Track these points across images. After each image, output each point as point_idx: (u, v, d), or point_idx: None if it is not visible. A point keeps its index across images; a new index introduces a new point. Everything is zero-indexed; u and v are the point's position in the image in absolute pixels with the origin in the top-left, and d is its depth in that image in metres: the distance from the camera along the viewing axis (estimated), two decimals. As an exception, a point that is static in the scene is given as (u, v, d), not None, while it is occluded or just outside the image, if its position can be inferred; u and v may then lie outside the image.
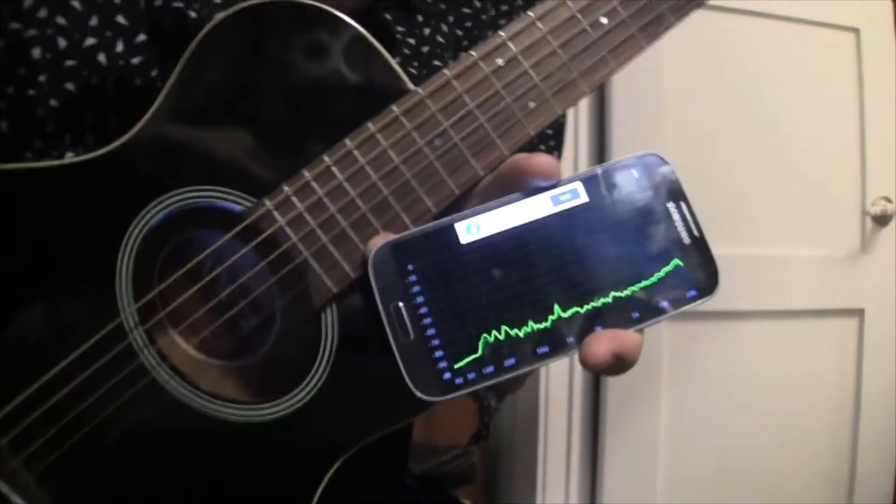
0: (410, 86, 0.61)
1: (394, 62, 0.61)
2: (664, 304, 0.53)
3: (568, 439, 1.95)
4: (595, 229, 0.55)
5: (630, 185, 0.55)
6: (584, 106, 1.90)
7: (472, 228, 0.55)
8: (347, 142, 0.60)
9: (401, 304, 0.54)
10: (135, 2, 0.68)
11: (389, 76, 0.61)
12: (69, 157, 0.65)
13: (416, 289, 0.54)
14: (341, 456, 0.63)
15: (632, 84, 1.87)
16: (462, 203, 0.61)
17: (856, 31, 2.05)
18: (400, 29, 0.80)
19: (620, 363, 0.52)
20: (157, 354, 0.61)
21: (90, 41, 0.66)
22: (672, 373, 1.97)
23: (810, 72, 2.03)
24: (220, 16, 0.60)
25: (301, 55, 0.61)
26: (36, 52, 0.65)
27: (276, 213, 0.60)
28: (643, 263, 0.54)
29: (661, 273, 0.54)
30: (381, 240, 0.57)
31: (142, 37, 0.68)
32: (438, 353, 0.53)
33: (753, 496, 2.06)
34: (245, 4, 0.59)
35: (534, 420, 1.92)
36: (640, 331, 0.54)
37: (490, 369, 0.53)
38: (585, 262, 0.54)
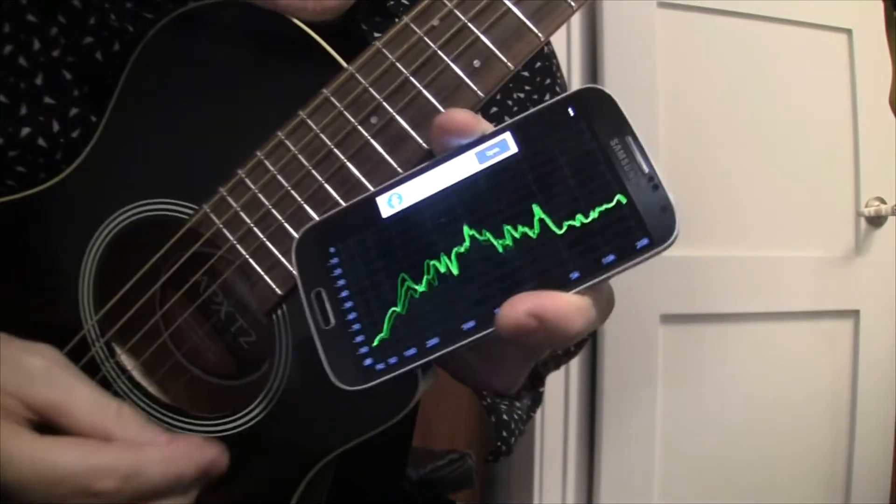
0: (345, 65, 0.52)
1: (325, 43, 0.53)
2: (609, 256, 0.41)
3: (564, 442, 1.88)
4: (526, 182, 0.44)
5: (566, 126, 0.44)
6: None
7: (395, 200, 0.46)
8: (279, 132, 0.52)
9: (322, 289, 0.46)
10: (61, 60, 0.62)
11: (324, 60, 0.53)
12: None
13: (336, 272, 0.46)
14: (312, 467, 0.56)
15: (624, 87, 1.80)
16: None
17: (848, 31, 1.98)
18: (376, 35, 0.71)
19: (548, 330, 0.40)
20: (116, 367, 0.58)
21: (25, 130, 0.60)
22: (667, 375, 1.89)
23: (803, 73, 1.96)
24: (154, 29, 0.56)
25: (231, 54, 0.56)
26: None
27: (212, 216, 0.54)
28: (579, 208, 0.42)
29: (598, 214, 0.42)
30: None
31: (74, 111, 0.62)
32: (359, 339, 0.44)
33: (750, 497, 1.98)
34: (175, 13, 0.56)
35: (530, 423, 1.82)
36: (587, 294, 0.42)
37: (412, 351, 0.43)
38: (513, 219, 0.43)
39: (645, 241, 0.40)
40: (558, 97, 0.44)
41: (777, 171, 1.94)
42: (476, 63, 0.49)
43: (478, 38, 0.49)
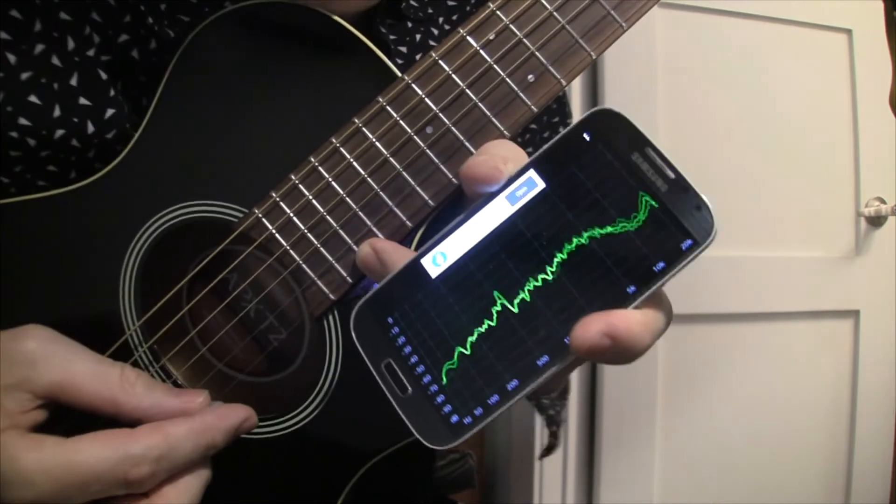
0: (399, 74, 0.54)
1: (379, 52, 0.55)
2: (659, 265, 0.44)
3: (564, 440, 1.88)
4: (562, 213, 0.46)
5: (584, 152, 0.46)
6: (577, 115, 1.81)
7: (439, 259, 0.48)
8: (333, 139, 0.54)
9: (391, 360, 0.48)
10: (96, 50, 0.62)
11: (377, 68, 0.55)
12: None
13: (401, 340, 0.48)
14: (354, 474, 0.58)
15: (625, 87, 1.82)
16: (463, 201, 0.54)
17: (848, 31, 1.99)
18: (391, 37, 0.74)
19: (619, 346, 0.42)
20: (161, 371, 0.58)
21: (59, 132, 0.59)
22: (667, 374, 1.90)
23: (803, 73, 1.97)
24: (196, 30, 0.56)
25: (274, 55, 0.56)
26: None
27: (265, 221, 0.55)
28: (620, 227, 0.45)
29: (638, 223, 0.44)
30: (367, 248, 0.51)
31: (110, 112, 0.61)
32: (440, 399, 0.47)
33: (750, 497, 1.99)
34: (221, 12, 0.56)
35: (530, 422, 1.86)
36: (647, 306, 0.44)
37: (495, 398, 0.46)
38: (560, 251, 0.46)
39: (689, 243, 0.43)
40: (570, 126, 0.46)
41: (777, 172, 1.95)
42: (530, 78, 0.52)
43: (532, 53, 0.51)
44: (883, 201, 2.03)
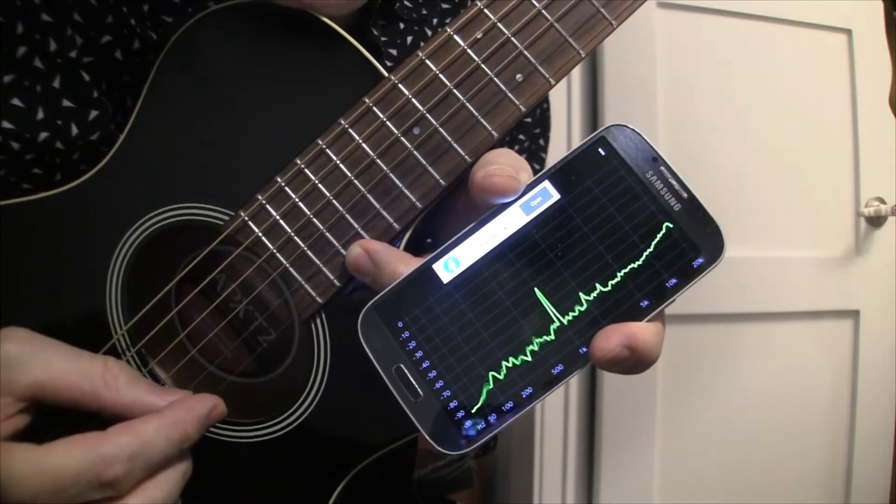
0: (385, 74, 0.53)
1: (365, 52, 0.54)
2: (671, 281, 0.45)
3: (564, 440, 1.88)
4: (575, 225, 0.47)
5: (599, 165, 0.47)
6: (577, 115, 1.83)
7: (451, 265, 0.48)
8: (319, 140, 0.53)
9: (401, 365, 0.47)
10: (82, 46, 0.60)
11: (364, 68, 0.54)
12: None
13: (412, 345, 0.47)
14: (344, 476, 0.57)
15: (624, 88, 1.81)
16: (452, 203, 0.54)
17: (848, 32, 1.98)
18: (383, 39, 0.73)
19: (637, 357, 0.44)
20: (149, 376, 0.57)
21: (43, 135, 0.58)
22: (667, 375, 1.89)
23: (803, 73, 1.96)
24: (179, 31, 0.55)
25: (260, 56, 0.55)
26: None
27: (251, 224, 0.54)
28: (634, 242, 0.46)
29: (653, 245, 0.45)
30: (358, 249, 0.51)
31: (94, 113, 0.60)
32: (452, 405, 0.46)
33: (750, 497, 1.98)
34: (205, 12, 0.55)
35: (530, 421, 1.85)
36: (657, 319, 0.46)
37: (509, 405, 0.46)
38: (574, 261, 0.46)
39: (700, 261, 0.44)
40: (586, 140, 0.47)
41: (777, 172, 1.94)
42: (518, 77, 0.51)
43: (521, 52, 0.50)
44: (883, 201, 2.02)
